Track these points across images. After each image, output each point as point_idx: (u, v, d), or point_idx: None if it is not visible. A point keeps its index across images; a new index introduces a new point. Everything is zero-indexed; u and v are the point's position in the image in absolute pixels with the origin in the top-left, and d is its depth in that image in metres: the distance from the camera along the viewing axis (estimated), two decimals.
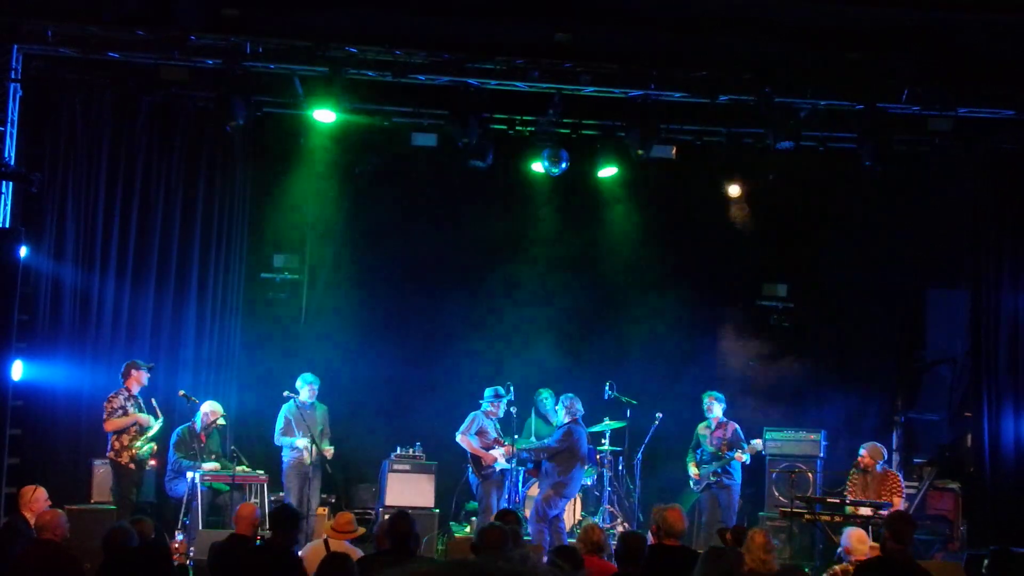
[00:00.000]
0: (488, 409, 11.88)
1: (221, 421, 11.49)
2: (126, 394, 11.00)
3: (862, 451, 11.41)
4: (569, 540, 10.45)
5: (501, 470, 11.77)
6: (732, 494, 11.88)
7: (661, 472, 12.71)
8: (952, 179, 13.31)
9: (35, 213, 11.65)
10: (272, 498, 11.46)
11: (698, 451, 12.11)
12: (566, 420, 11.46)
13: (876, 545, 8.16)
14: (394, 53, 11.40)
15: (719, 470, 11.85)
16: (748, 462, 11.94)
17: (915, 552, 7.99)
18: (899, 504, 11.01)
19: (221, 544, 7.76)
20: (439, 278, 13.62)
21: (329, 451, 11.77)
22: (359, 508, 12.28)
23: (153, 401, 11.19)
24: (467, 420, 11.87)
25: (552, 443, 11.43)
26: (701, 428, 12.15)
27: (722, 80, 11.72)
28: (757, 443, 12.03)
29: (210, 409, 11.50)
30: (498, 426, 11.94)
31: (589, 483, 12.34)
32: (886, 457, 11.45)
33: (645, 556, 6.72)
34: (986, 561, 9.93)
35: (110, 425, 10.88)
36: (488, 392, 11.91)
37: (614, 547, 8.04)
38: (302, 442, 11.58)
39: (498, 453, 11.72)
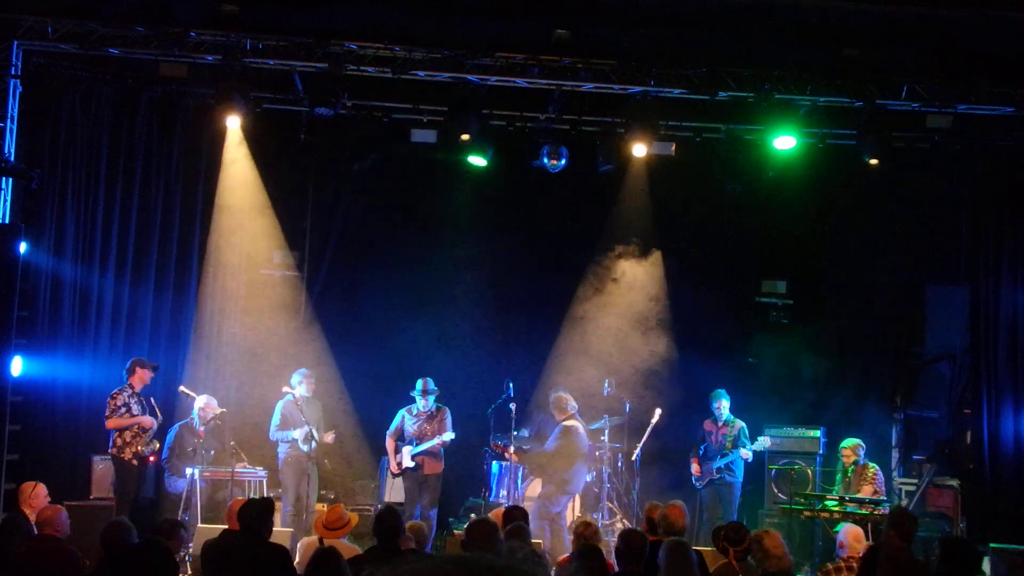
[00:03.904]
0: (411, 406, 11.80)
1: (215, 410, 11.43)
2: (130, 391, 10.98)
3: (843, 450, 11.53)
4: (569, 537, 10.45)
5: (406, 468, 11.64)
6: (734, 491, 11.91)
7: (660, 469, 12.71)
8: (951, 176, 13.31)
9: (35, 209, 11.65)
10: (270, 494, 11.45)
11: (702, 447, 12.12)
12: (562, 418, 11.44)
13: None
14: (393, 50, 11.40)
15: (723, 467, 11.87)
16: (751, 460, 11.97)
17: (915, 549, 7.98)
18: (868, 492, 11.08)
19: (213, 540, 7.74)
20: (438, 274, 13.62)
21: (330, 436, 11.74)
22: (358, 505, 12.28)
23: (152, 400, 11.19)
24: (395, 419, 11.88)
25: (550, 445, 11.41)
26: (707, 425, 12.17)
27: (721, 77, 11.72)
28: (765, 440, 12.05)
29: (204, 403, 11.47)
30: (411, 419, 11.74)
31: (589, 479, 12.34)
32: (864, 449, 11.53)
33: (647, 555, 6.72)
34: (986, 558, 9.97)
35: (112, 423, 10.86)
36: (418, 384, 11.75)
37: (613, 545, 8.04)
38: (298, 433, 11.57)
39: (405, 451, 11.61)
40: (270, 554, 6.84)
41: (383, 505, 7.78)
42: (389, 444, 11.81)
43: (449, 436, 11.62)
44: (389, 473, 11.97)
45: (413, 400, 11.79)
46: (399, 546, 7.07)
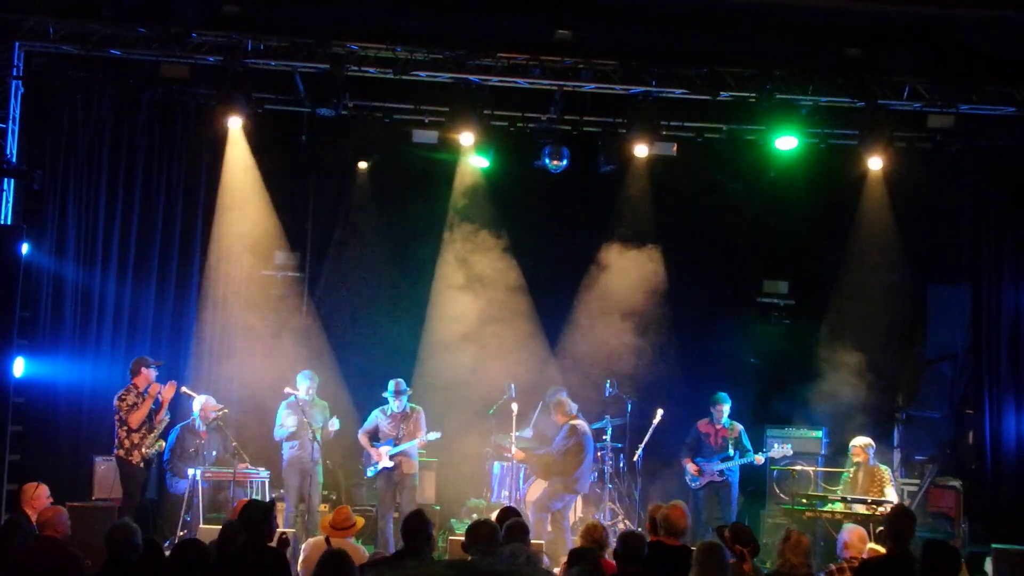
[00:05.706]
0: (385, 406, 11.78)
1: (214, 413, 11.40)
2: (136, 391, 10.96)
3: (853, 448, 11.48)
4: (572, 537, 10.44)
5: (383, 468, 11.61)
6: (732, 491, 11.89)
7: (662, 469, 12.71)
8: (953, 176, 13.30)
9: (36, 210, 11.64)
10: (273, 495, 11.46)
11: (701, 448, 12.07)
12: (564, 419, 11.42)
13: (878, 548, 8.13)
14: (395, 50, 11.41)
15: (724, 468, 11.84)
16: (764, 462, 11.97)
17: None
18: (889, 495, 11.07)
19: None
20: (440, 274, 13.61)
21: (332, 429, 11.69)
22: (359, 506, 12.27)
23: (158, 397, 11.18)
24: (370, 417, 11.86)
25: (558, 445, 11.39)
26: (703, 426, 12.10)
27: (723, 77, 11.72)
28: (783, 448, 11.99)
29: (203, 404, 11.45)
30: (386, 420, 11.71)
31: (591, 480, 12.33)
32: (873, 448, 11.49)
33: (645, 556, 6.72)
34: (988, 559, 9.95)
35: (135, 420, 10.78)
36: (390, 385, 11.75)
37: (614, 546, 8.03)
38: (303, 427, 11.53)
39: (383, 451, 11.58)
40: (271, 558, 6.81)
41: (414, 509, 7.70)
42: (363, 440, 11.78)
43: (435, 435, 11.63)
44: (369, 470, 11.85)
45: (386, 401, 11.76)
46: (429, 550, 6.97)
